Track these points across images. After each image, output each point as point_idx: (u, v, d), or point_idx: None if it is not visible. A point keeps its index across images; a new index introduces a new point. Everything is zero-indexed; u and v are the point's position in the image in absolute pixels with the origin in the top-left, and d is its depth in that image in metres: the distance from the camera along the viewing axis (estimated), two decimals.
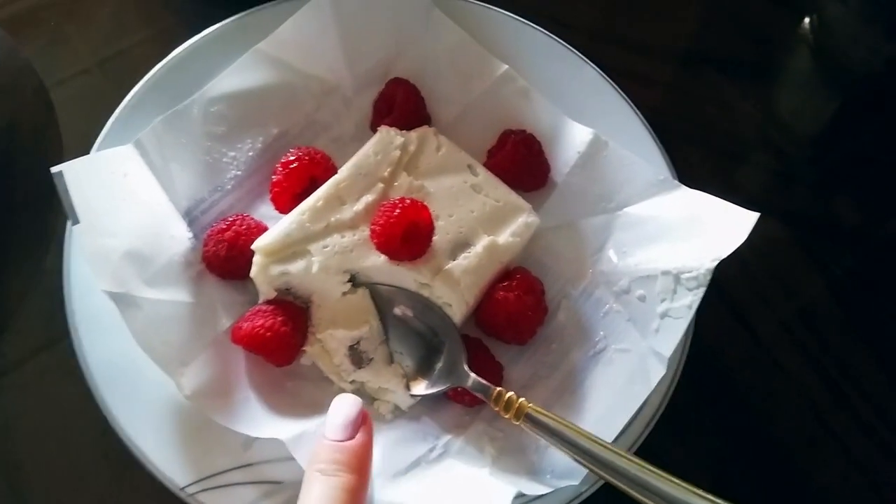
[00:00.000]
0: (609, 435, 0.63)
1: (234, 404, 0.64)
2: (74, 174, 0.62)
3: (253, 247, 0.66)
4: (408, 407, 0.68)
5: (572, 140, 0.76)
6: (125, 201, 0.66)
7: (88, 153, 0.70)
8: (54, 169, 0.62)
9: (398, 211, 0.64)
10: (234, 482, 0.63)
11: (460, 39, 0.78)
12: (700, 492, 0.56)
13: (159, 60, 0.77)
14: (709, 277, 0.66)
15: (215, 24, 0.78)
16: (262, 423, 0.63)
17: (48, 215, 0.77)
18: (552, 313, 0.72)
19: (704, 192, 0.70)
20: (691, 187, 0.71)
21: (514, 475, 0.63)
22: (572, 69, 0.80)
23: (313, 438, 0.61)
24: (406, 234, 0.65)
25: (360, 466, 0.57)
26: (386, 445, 0.65)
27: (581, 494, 0.64)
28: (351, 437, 0.58)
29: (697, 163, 0.79)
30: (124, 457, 0.63)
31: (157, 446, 0.63)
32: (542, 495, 0.63)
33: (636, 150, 0.75)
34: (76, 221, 0.62)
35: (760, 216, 0.66)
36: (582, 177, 0.75)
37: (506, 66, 0.78)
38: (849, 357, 0.79)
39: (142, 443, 0.63)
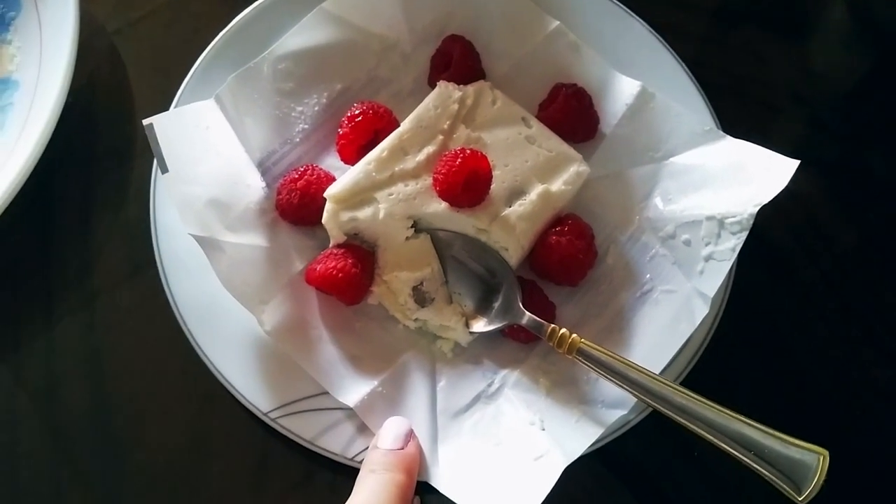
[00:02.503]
0: (655, 368, 0.68)
1: (309, 342, 0.70)
2: (163, 127, 0.68)
3: (325, 194, 0.72)
4: (467, 343, 0.73)
5: (620, 92, 0.79)
6: (207, 152, 0.71)
7: (159, 108, 0.76)
8: (146, 121, 0.67)
9: (459, 160, 0.69)
10: (315, 408, 0.69)
11: None
12: (741, 417, 0.61)
13: (221, 19, 0.82)
14: (751, 221, 0.69)
15: None
16: (334, 371, 0.69)
17: (126, 166, 0.83)
18: (601, 257, 0.76)
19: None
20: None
21: (567, 404, 0.69)
22: (620, 24, 0.83)
23: (378, 399, 0.69)
24: (467, 182, 0.69)
25: (408, 469, 0.64)
26: (448, 383, 0.71)
27: (629, 422, 0.69)
28: (402, 448, 0.65)
29: (733, 115, 0.82)
30: (210, 385, 0.70)
31: (242, 376, 0.70)
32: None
33: (682, 101, 0.78)
34: (165, 170, 0.67)
35: (800, 164, 0.69)
36: (630, 128, 0.79)
37: (557, 22, 0.81)
38: (880, 300, 0.82)
39: (228, 373, 0.70)
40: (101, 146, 0.84)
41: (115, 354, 0.76)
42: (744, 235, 0.70)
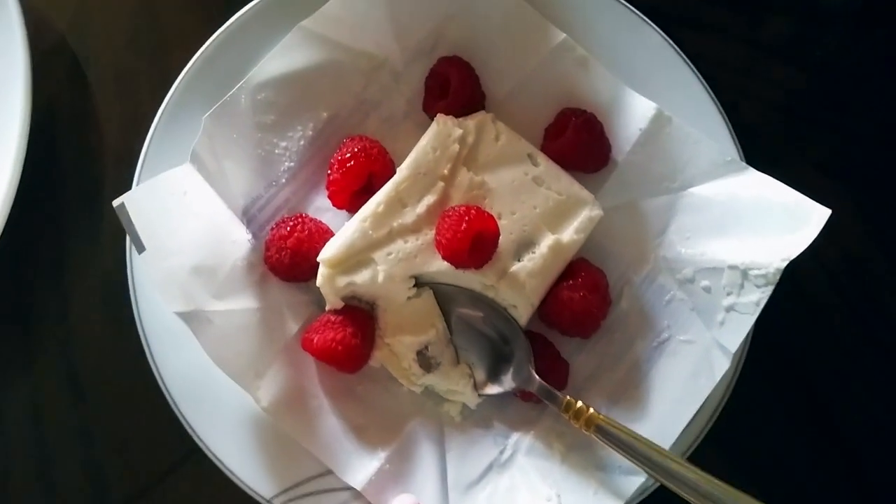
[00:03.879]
0: (675, 429, 0.65)
1: (310, 415, 0.67)
2: (135, 203, 0.62)
3: (319, 258, 0.66)
4: (476, 405, 0.69)
5: (634, 115, 0.72)
6: (186, 218, 0.65)
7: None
8: (116, 202, 0.61)
9: (464, 224, 0.63)
10: (321, 489, 0.66)
11: (514, 3, 0.73)
12: None
13: (193, 34, 0.74)
14: (778, 277, 0.65)
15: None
16: (338, 449, 0.66)
17: (97, 212, 0.77)
18: (615, 300, 0.72)
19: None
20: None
21: (584, 472, 0.66)
22: (635, 34, 0.75)
23: (385, 477, 0.65)
24: (473, 245, 0.64)
25: None
26: (457, 453, 0.68)
27: (647, 489, 0.67)
28: None
29: (757, 142, 0.75)
30: (207, 469, 0.66)
31: (241, 459, 0.66)
32: None
33: (702, 126, 0.72)
34: (142, 249, 0.61)
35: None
36: (644, 155, 0.73)
37: (563, 35, 0.73)
38: None
39: (226, 456, 0.66)
40: (67, 189, 0.78)
41: (105, 438, 0.73)
42: (769, 290, 0.65)
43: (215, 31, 0.74)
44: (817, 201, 0.66)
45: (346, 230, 0.67)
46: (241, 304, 0.67)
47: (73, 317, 0.74)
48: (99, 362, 0.74)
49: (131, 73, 0.80)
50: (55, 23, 0.81)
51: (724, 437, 0.69)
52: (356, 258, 0.67)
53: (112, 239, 0.74)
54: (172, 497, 0.72)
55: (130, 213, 0.61)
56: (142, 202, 0.62)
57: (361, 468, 0.66)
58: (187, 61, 0.73)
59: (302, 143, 0.73)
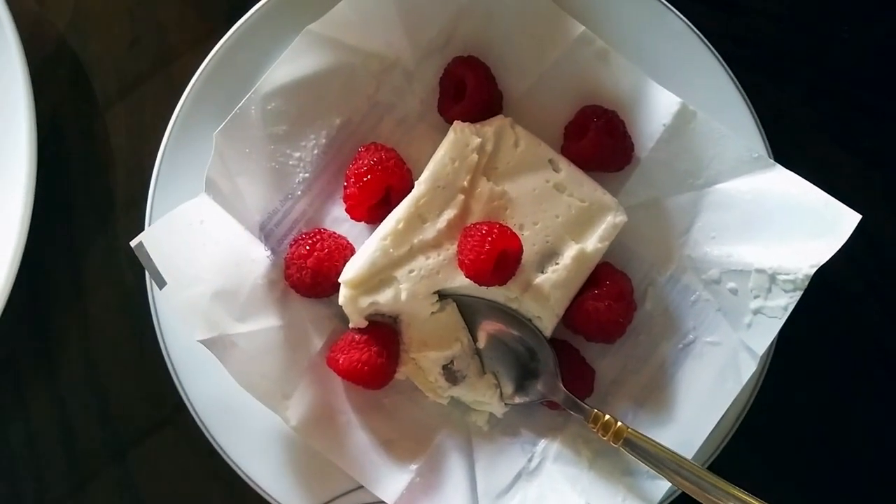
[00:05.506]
0: (702, 432, 0.66)
1: (339, 432, 0.67)
2: (153, 240, 0.61)
3: (340, 279, 0.65)
4: (502, 414, 0.70)
5: (657, 110, 0.70)
6: (205, 245, 0.64)
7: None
8: (133, 242, 0.60)
9: (488, 245, 0.62)
10: None
11: None
12: None
13: (195, 36, 0.73)
14: (807, 282, 0.64)
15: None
16: (369, 465, 0.66)
17: (111, 229, 0.76)
18: (639, 302, 0.71)
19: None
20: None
21: (612, 478, 0.67)
22: (656, 23, 0.72)
23: (417, 490, 0.66)
24: (497, 265, 0.63)
25: None
26: (486, 463, 0.68)
27: (674, 493, 0.68)
28: None
29: (786, 138, 0.73)
30: (240, 488, 0.68)
31: (273, 477, 0.67)
32: None
33: (728, 120, 0.70)
34: (163, 284, 0.61)
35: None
36: (667, 151, 0.70)
37: (582, 28, 0.70)
38: None
39: (258, 476, 0.67)
40: (79, 205, 0.77)
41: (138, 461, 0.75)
42: (797, 295, 0.65)
43: (217, 32, 0.71)
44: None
45: (366, 249, 0.66)
46: (265, 323, 0.67)
47: (95, 338, 0.75)
48: (124, 385, 0.75)
49: (136, 79, 0.77)
50: (53, 27, 0.78)
51: (752, 436, 0.69)
52: (378, 277, 0.66)
53: (128, 257, 0.73)
54: None
55: (149, 251, 0.60)
56: (159, 239, 0.61)
57: (392, 482, 0.67)
58: (191, 66, 0.71)
59: (316, 152, 0.71)
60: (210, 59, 0.71)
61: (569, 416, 0.69)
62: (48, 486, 0.74)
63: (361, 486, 0.67)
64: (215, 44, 0.71)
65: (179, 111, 0.71)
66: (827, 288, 0.75)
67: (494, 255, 0.62)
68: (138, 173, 0.74)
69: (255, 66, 0.70)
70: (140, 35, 0.78)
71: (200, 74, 0.71)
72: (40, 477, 0.74)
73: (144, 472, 0.75)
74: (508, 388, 0.69)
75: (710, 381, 0.68)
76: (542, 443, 0.70)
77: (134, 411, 0.74)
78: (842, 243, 0.63)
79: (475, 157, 0.67)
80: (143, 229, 0.69)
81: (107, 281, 0.75)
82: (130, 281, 0.74)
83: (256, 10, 0.71)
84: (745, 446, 0.69)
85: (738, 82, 0.71)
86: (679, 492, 0.67)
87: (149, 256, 0.60)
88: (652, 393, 0.69)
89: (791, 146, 0.73)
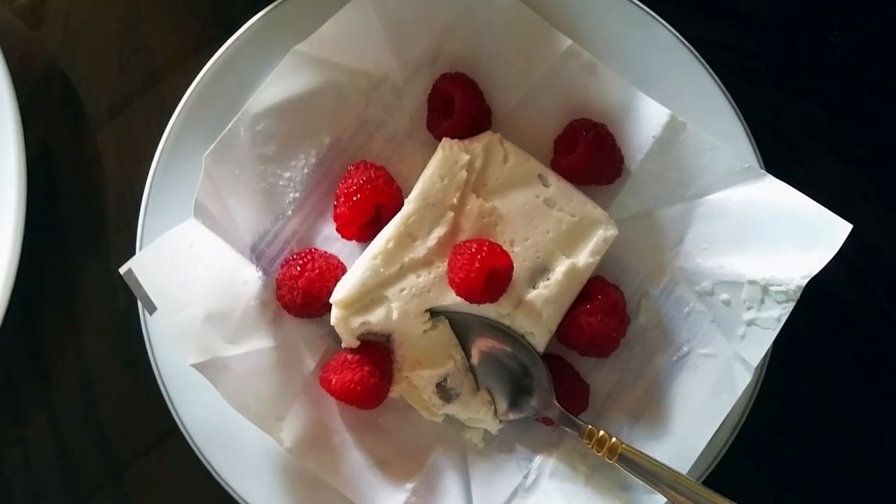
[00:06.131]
0: (698, 444, 0.66)
1: (334, 452, 0.67)
2: (142, 267, 0.61)
3: (331, 300, 0.65)
4: (497, 431, 0.70)
5: (647, 122, 0.70)
6: (195, 269, 0.64)
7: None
8: (122, 269, 0.60)
9: (478, 263, 0.62)
10: None
11: (514, 8, 0.70)
12: None
13: (182, 57, 0.72)
14: (799, 293, 0.64)
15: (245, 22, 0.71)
16: (365, 486, 0.66)
17: (104, 253, 0.76)
18: (632, 315, 0.71)
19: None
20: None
21: (608, 493, 0.67)
22: (644, 35, 0.72)
23: None
24: (487, 282, 0.63)
25: None
26: (482, 480, 0.68)
27: None
28: None
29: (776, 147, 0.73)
30: None
31: (269, 500, 0.67)
32: None
33: (717, 130, 0.69)
34: (153, 310, 0.61)
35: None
36: (658, 163, 0.70)
37: (569, 41, 0.70)
38: None
39: (253, 498, 0.67)
40: (70, 226, 0.77)
41: (133, 481, 0.75)
42: (790, 306, 0.65)
43: (205, 53, 0.71)
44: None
45: (356, 269, 0.66)
46: (257, 344, 0.67)
47: (89, 360, 0.75)
48: (117, 407, 0.75)
49: (125, 100, 0.78)
50: (44, 49, 0.78)
51: (748, 448, 0.69)
52: (369, 297, 0.66)
53: (121, 280, 0.73)
54: None
55: (138, 277, 0.60)
56: (149, 265, 0.61)
57: (388, 502, 0.66)
58: (180, 87, 0.71)
59: (306, 171, 0.71)
60: (199, 81, 0.71)
61: (564, 432, 0.69)
62: None
63: None
64: (203, 65, 0.71)
65: (169, 133, 0.71)
66: (821, 294, 0.75)
67: (484, 274, 0.62)
68: (129, 195, 0.75)
69: (243, 87, 0.70)
70: (129, 57, 0.78)
71: (189, 96, 0.71)
72: (38, 497, 0.74)
73: (141, 493, 0.74)
74: (503, 405, 0.69)
75: (705, 393, 0.68)
76: (538, 459, 0.69)
77: (129, 432, 0.74)
78: (833, 253, 0.63)
79: (464, 174, 0.67)
80: (135, 251, 0.69)
81: (99, 303, 0.75)
82: (123, 303, 0.74)
83: (244, 32, 0.71)
84: (741, 458, 0.69)
85: (727, 92, 0.71)
86: None
87: (138, 283, 0.60)
88: (647, 406, 0.69)
89: (782, 152, 0.73)
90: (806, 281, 0.63)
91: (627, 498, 0.67)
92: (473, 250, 0.62)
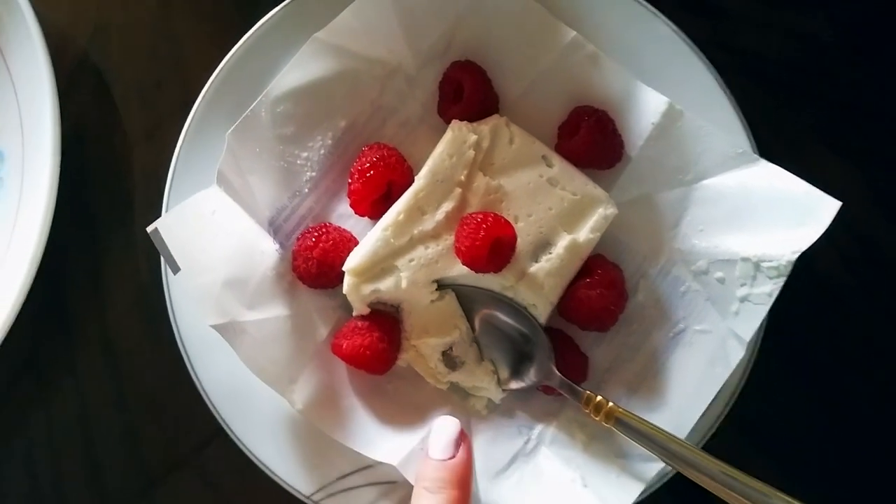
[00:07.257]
0: (693, 416, 0.68)
1: (343, 414, 0.70)
2: (168, 228, 0.65)
3: (344, 268, 0.69)
4: (500, 400, 0.73)
5: (646, 110, 0.73)
6: (216, 235, 0.68)
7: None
8: (149, 228, 0.64)
9: (482, 232, 0.65)
10: (354, 485, 0.70)
11: (522, 2, 0.74)
12: (781, 494, 0.61)
13: (209, 46, 0.76)
14: (790, 269, 0.67)
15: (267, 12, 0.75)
16: (372, 439, 0.69)
17: (129, 229, 0.80)
18: (631, 293, 0.74)
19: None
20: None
21: (606, 460, 0.69)
22: (644, 28, 0.75)
23: (420, 455, 0.68)
24: (492, 251, 0.66)
25: (462, 482, 0.64)
26: (484, 443, 0.71)
27: (667, 475, 0.70)
28: (453, 456, 0.65)
29: (771, 133, 0.76)
30: (248, 468, 0.71)
31: (281, 459, 0.70)
32: None
33: (714, 118, 0.73)
34: (177, 270, 0.65)
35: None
36: (656, 149, 0.74)
37: (573, 33, 0.74)
38: None
39: (266, 457, 0.70)
40: (99, 207, 0.81)
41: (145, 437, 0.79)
42: (781, 281, 0.67)
43: (229, 42, 0.75)
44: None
45: (368, 239, 0.70)
46: (273, 312, 0.70)
47: (113, 332, 0.79)
48: (141, 374, 0.79)
49: (153, 87, 0.82)
50: (77, 41, 0.83)
51: (742, 421, 0.71)
52: (380, 266, 0.69)
53: (146, 255, 0.78)
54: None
55: (164, 237, 0.64)
56: (173, 226, 0.65)
57: (397, 448, 0.69)
58: (205, 73, 0.75)
59: (322, 152, 0.75)
60: (222, 67, 0.75)
61: (564, 402, 0.72)
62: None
63: (367, 467, 0.70)
64: (227, 53, 0.75)
65: (193, 116, 0.75)
66: (820, 287, 0.79)
67: (489, 242, 0.65)
68: (155, 177, 0.78)
69: (264, 72, 0.74)
70: (157, 46, 0.83)
71: (213, 82, 0.75)
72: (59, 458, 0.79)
73: (158, 457, 0.78)
74: (505, 374, 0.72)
75: (700, 367, 0.70)
76: (539, 427, 0.72)
77: (148, 397, 0.79)
78: (823, 230, 0.65)
79: (472, 153, 0.71)
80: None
81: (124, 277, 0.79)
82: (147, 277, 0.78)
83: (266, 21, 0.75)
84: (734, 431, 0.71)
85: (722, 82, 0.74)
86: (672, 474, 0.69)
87: (164, 242, 0.64)
88: (644, 380, 0.72)
89: (780, 149, 0.76)
90: (796, 256, 0.66)
91: (624, 464, 0.69)
92: (479, 220, 0.66)
